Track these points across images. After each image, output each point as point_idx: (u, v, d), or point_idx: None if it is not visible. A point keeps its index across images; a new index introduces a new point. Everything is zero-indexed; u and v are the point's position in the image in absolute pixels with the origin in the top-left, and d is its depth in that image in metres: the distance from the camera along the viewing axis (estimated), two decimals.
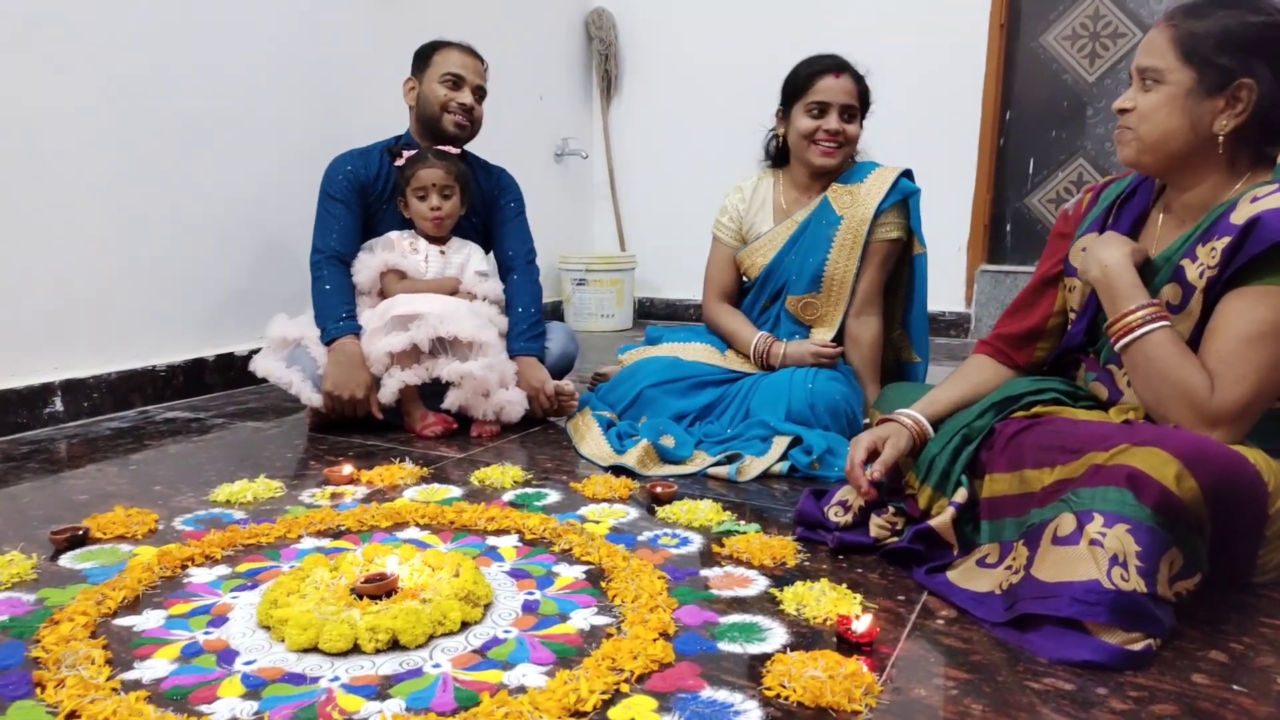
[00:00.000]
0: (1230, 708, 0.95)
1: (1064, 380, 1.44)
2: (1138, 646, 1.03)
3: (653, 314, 4.42)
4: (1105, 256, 1.32)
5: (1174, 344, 1.24)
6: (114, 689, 0.97)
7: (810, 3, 3.86)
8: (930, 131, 3.64)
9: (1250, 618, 1.17)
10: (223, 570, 1.32)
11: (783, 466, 1.80)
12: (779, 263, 2.17)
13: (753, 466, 1.79)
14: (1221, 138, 1.25)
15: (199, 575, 1.30)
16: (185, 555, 1.35)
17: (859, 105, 2.07)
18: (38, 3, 2.08)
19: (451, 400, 2.08)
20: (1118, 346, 1.28)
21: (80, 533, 1.42)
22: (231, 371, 2.63)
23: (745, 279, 2.28)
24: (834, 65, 2.06)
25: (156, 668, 1.03)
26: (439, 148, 2.23)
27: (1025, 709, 0.94)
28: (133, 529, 1.47)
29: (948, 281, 3.77)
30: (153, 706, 0.93)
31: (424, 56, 2.27)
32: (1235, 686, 0.99)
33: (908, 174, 2.11)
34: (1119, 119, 1.34)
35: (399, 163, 2.21)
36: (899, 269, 2.17)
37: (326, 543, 1.44)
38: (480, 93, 2.28)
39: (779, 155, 2.22)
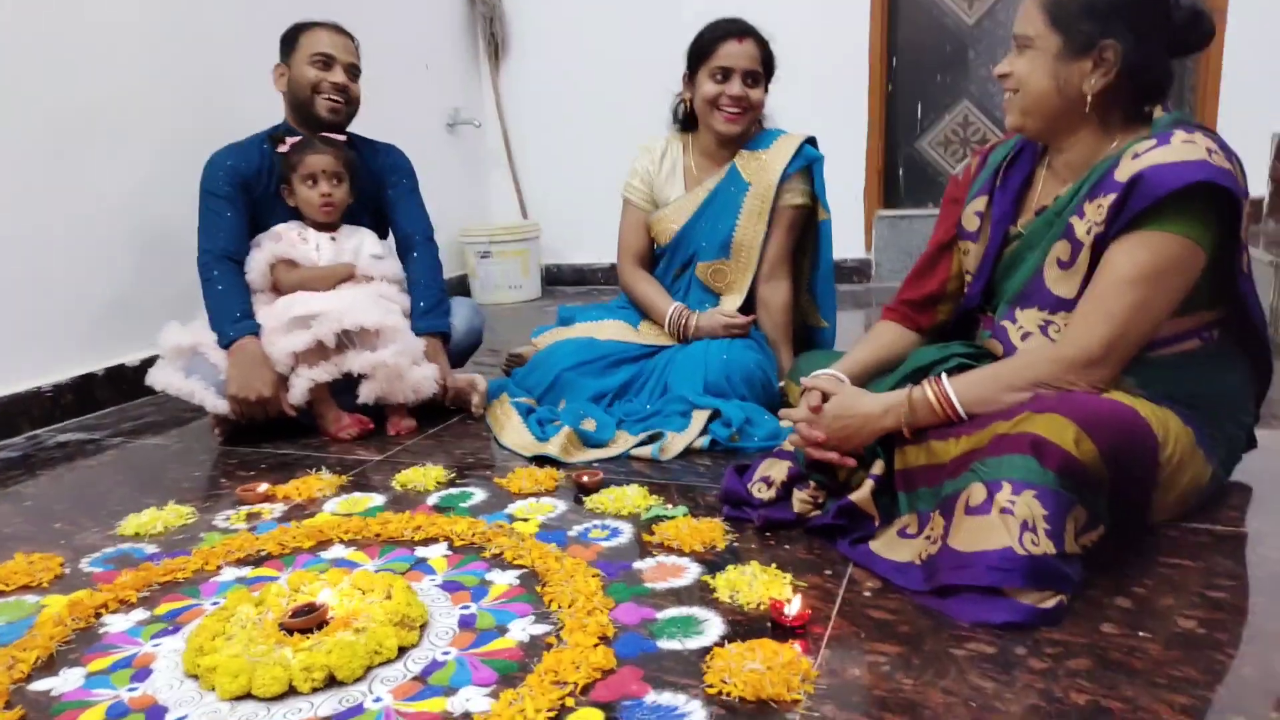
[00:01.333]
0: (1138, 655, 1.02)
1: (966, 343, 1.49)
2: (1050, 604, 1.09)
3: (560, 280, 4.38)
4: (871, 406, 1.36)
5: (973, 377, 1.31)
6: None
7: None
8: (821, 82, 3.66)
9: (1149, 559, 1.25)
10: (140, 615, 1.27)
11: (704, 441, 1.82)
12: (690, 229, 2.18)
13: (674, 444, 1.81)
14: (1090, 97, 1.30)
15: (115, 623, 1.25)
16: (98, 602, 1.29)
17: (763, 70, 2.07)
18: None
19: (367, 393, 2.03)
20: (966, 418, 1.30)
21: None
22: (124, 384, 2.50)
23: (656, 246, 2.28)
24: (737, 30, 2.05)
25: None
26: (324, 135, 2.14)
27: (953, 678, 0.99)
28: (37, 576, 1.40)
29: (847, 229, 3.84)
30: None
31: (290, 39, 2.17)
32: (1141, 633, 1.06)
33: (811, 141, 2.14)
34: (1001, 85, 1.37)
35: (283, 149, 2.11)
36: (805, 235, 2.19)
37: (248, 572, 1.39)
38: (354, 71, 2.19)
39: (687, 120, 2.21)
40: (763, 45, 2.06)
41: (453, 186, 4.09)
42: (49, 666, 1.15)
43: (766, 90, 2.12)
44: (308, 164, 2.07)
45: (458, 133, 4.12)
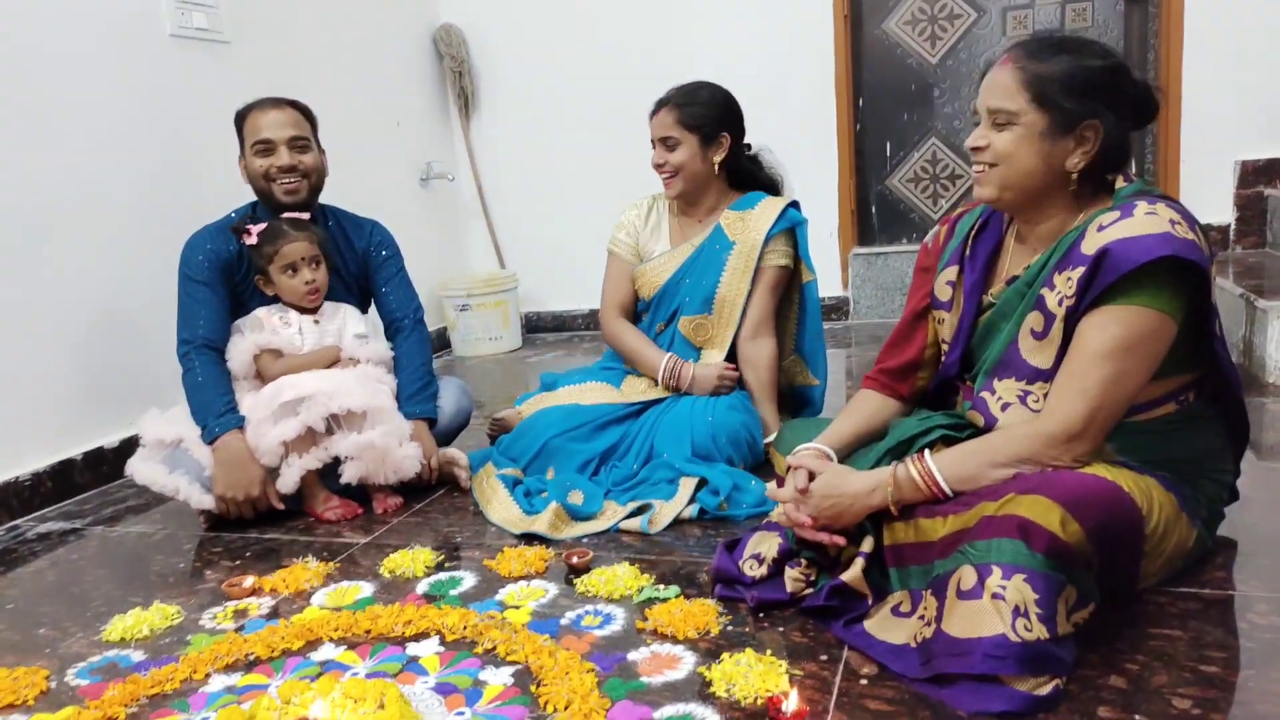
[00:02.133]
0: None
1: (947, 413, 1.50)
2: (1046, 690, 1.09)
3: (540, 327, 4.39)
4: (857, 487, 1.36)
5: (957, 454, 1.32)
6: None
7: (655, 5, 3.86)
8: (790, 122, 3.69)
9: (1140, 630, 1.25)
10: None
11: (692, 510, 1.82)
12: (675, 284, 2.22)
13: (663, 515, 1.81)
14: (1075, 175, 1.32)
15: None
16: None
17: (679, 134, 2.12)
18: None
19: (351, 473, 2.01)
20: (949, 492, 1.31)
21: None
22: (104, 467, 2.47)
23: (640, 300, 2.31)
24: (658, 103, 2.17)
25: None
26: (290, 215, 2.11)
27: None
28: (22, 694, 1.37)
29: (823, 267, 3.80)
30: None
31: (239, 130, 2.15)
32: (1137, 716, 1.07)
33: (795, 205, 2.20)
34: (973, 156, 1.38)
35: (250, 240, 2.09)
36: (789, 296, 2.24)
37: (237, 679, 1.37)
38: (299, 143, 2.12)
39: None
40: (680, 108, 2.12)
41: (429, 240, 4.09)
42: None
43: (711, 141, 2.14)
44: (284, 254, 2.05)
45: (431, 187, 4.13)
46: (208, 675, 1.39)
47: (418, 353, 2.24)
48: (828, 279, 3.88)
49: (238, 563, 1.85)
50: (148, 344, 2.53)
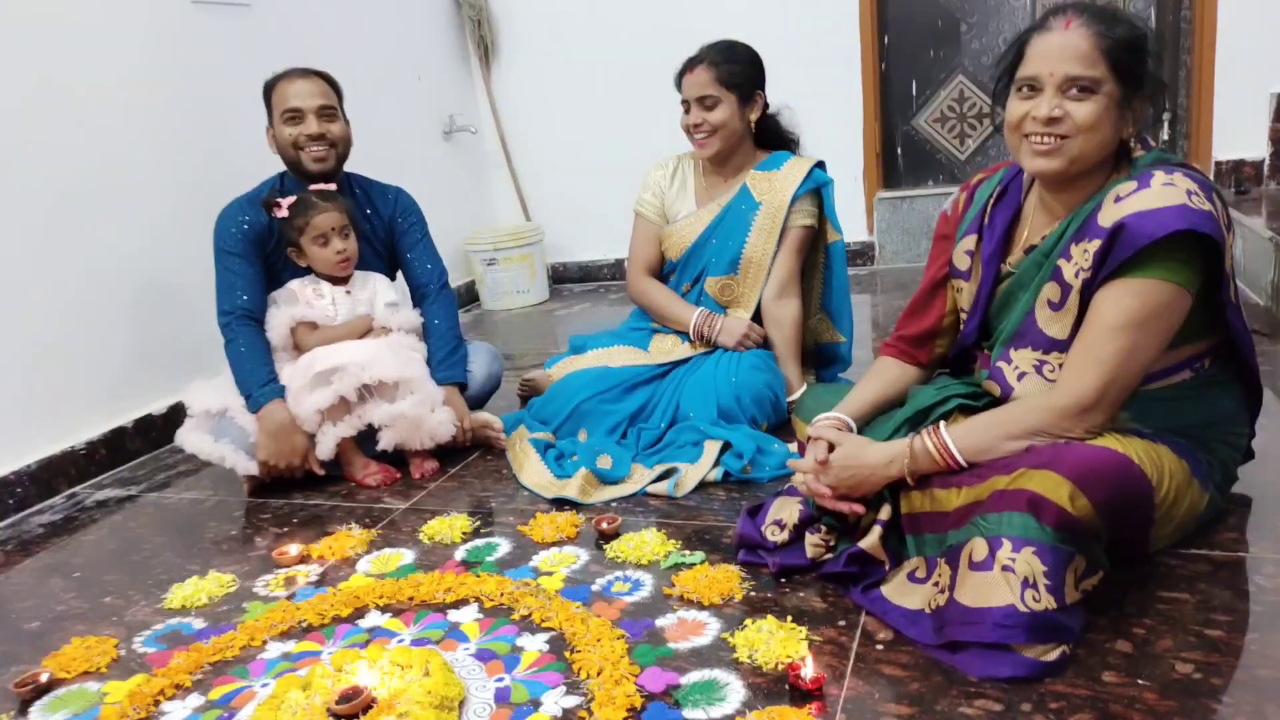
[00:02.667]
0: (1137, 706, 1.08)
1: (965, 382, 1.53)
2: (1053, 656, 1.15)
3: (567, 278, 4.42)
4: (875, 458, 1.39)
5: (972, 426, 1.34)
6: None
7: None
8: (813, 64, 3.66)
9: (1148, 593, 1.30)
10: (196, 701, 1.35)
11: (716, 473, 1.88)
12: (702, 245, 2.25)
13: (688, 479, 1.86)
14: (1133, 143, 1.32)
15: (174, 711, 1.33)
16: (155, 690, 1.37)
17: (718, 92, 2.11)
18: None
19: (387, 440, 2.09)
20: (965, 465, 1.33)
21: (43, 678, 1.43)
22: (153, 433, 2.58)
23: (667, 260, 2.34)
24: (690, 62, 2.16)
25: None
26: (317, 187, 2.16)
27: None
28: (94, 662, 1.48)
29: (848, 212, 3.83)
30: None
31: (267, 100, 2.19)
32: (1140, 680, 1.12)
33: (821, 165, 2.21)
34: (1042, 128, 1.28)
35: (280, 213, 2.14)
36: (814, 255, 2.25)
37: (292, 646, 1.47)
38: (327, 112, 2.16)
39: None
40: (715, 66, 2.11)
41: (454, 194, 4.12)
42: None
43: (748, 100, 2.14)
44: (315, 225, 2.10)
45: (454, 140, 4.14)
46: (264, 642, 1.49)
47: (445, 318, 2.30)
48: (852, 224, 3.86)
49: (285, 529, 1.94)
50: (190, 312, 2.62)
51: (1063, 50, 1.27)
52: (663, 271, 2.39)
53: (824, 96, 3.67)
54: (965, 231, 1.54)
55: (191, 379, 2.28)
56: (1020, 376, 1.43)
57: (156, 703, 1.36)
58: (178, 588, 1.70)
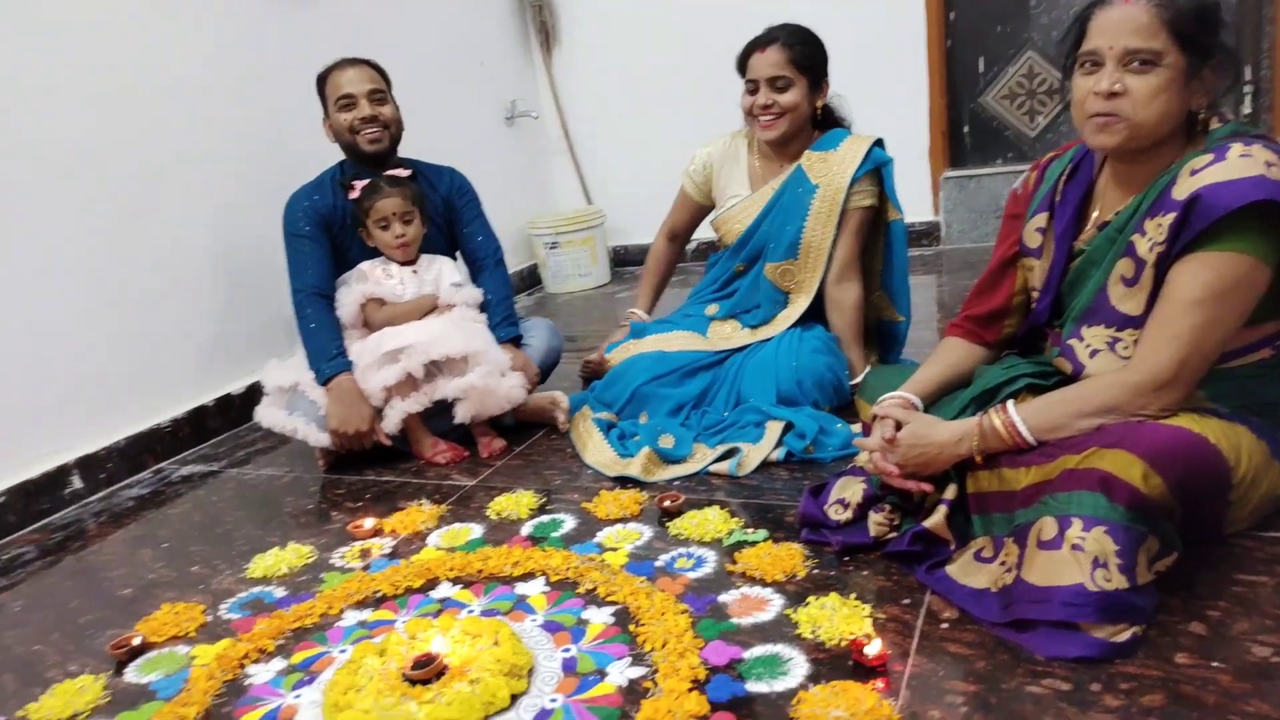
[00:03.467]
0: (1211, 688, 1.06)
1: (1033, 361, 1.51)
2: (1124, 637, 1.14)
3: (628, 261, 4.44)
4: (942, 436, 1.39)
5: (1043, 404, 1.33)
6: None
7: None
8: (878, 42, 3.61)
9: (1223, 575, 1.27)
10: (279, 664, 1.42)
11: (779, 453, 1.88)
12: (756, 229, 2.24)
13: (750, 458, 1.87)
14: (1201, 115, 1.28)
15: (258, 674, 1.40)
16: (240, 653, 1.44)
17: (791, 74, 2.08)
18: None
19: (463, 413, 2.14)
20: (1033, 442, 1.32)
21: (136, 641, 1.51)
22: (232, 412, 2.68)
23: (722, 245, 2.35)
24: (761, 40, 2.11)
25: None
26: (390, 173, 2.23)
27: (1029, 718, 1.05)
28: (184, 626, 1.56)
29: (913, 191, 3.79)
30: None
31: (321, 92, 2.28)
32: (1214, 663, 1.10)
33: (880, 143, 2.16)
34: (1100, 104, 1.26)
35: (353, 195, 2.22)
36: (875, 233, 2.22)
37: (368, 615, 1.53)
38: (377, 95, 2.24)
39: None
40: (789, 48, 2.07)
41: (516, 179, 4.17)
42: None
43: (815, 86, 2.12)
44: (378, 209, 2.17)
45: (517, 125, 4.18)
46: (341, 611, 1.55)
47: (501, 287, 2.39)
48: (918, 204, 3.81)
49: (359, 504, 2.01)
50: (263, 296, 2.72)
51: (1122, 23, 1.24)
52: (714, 257, 2.40)
53: (888, 75, 3.63)
54: (1036, 209, 1.51)
55: (266, 360, 2.37)
56: (1093, 354, 1.40)
57: (242, 665, 1.43)
58: (259, 558, 1.78)
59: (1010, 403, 1.36)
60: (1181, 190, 1.25)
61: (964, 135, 3.81)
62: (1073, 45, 1.33)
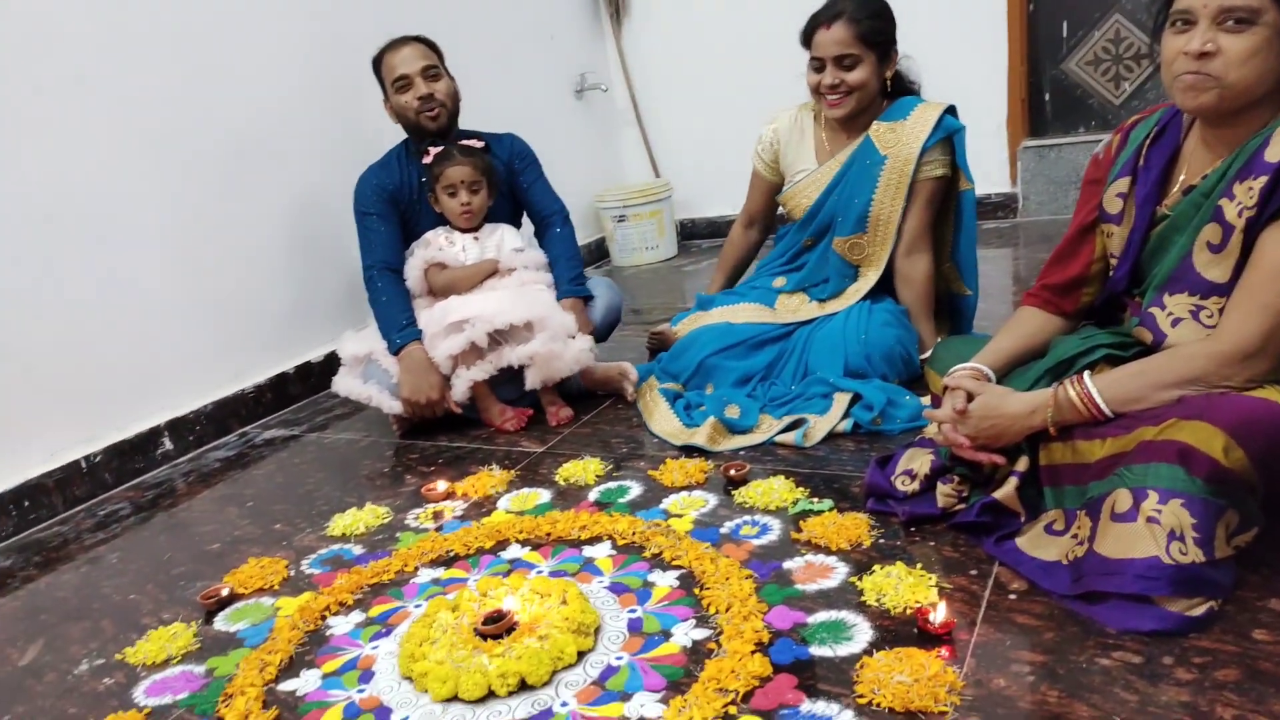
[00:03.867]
0: None
1: (1111, 331, 1.47)
2: (1199, 611, 1.11)
3: (695, 234, 4.43)
4: (1016, 407, 1.36)
5: (1121, 375, 1.29)
6: None
7: None
8: (954, 7, 3.51)
9: None
10: (357, 617, 1.48)
11: (846, 424, 1.88)
12: (824, 203, 2.21)
13: (817, 429, 1.87)
14: None
15: (338, 626, 1.46)
16: (321, 605, 1.51)
17: (859, 51, 2.02)
18: (70, 63, 2.15)
19: (533, 379, 2.18)
20: (1109, 414, 1.29)
21: (225, 592, 1.59)
22: (312, 378, 2.77)
23: (790, 219, 2.33)
24: (826, 17, 2.03)
25: None
26: (464, 143, 2.27)
27: (1098, 690, 1.04)
28: (269, 579, 1.64)
29: (990, 161, 3.69)
30: None
31: (378, 75, 2.33)
32: None
33: (951, 110, 2.10)
34: (1191, 64, 1.21)
35: (427, 160, 2.26)
36: (946, 203, 2.17)
37: (441, 573, 1.58)
38: (431, 72, 2.27)
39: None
40: (856, 23, 1.99)
41: (584, 152, 4.19)
42: (290, 668, 1.36)
43: (883, 61, 2.08)
44: (447, 176, 2.22)
45: (586, 98, 4.20)
46: (416, 569, 1.61)
47: (568, 244, 2.43)
48: (994, 174, 3.71)
49: (431, 468, 2.07)
50: (339, 269, 2.81)
51: None
52: (782, 230, 2.39)
53: (965, 40, 3.53)
54: (1118, 174, 1.46)
55: (342, 330, 2.45)
56: (1175, 323, 1.36)
57: (323, 617, 1.49)
58: (338, 518, 1.85)
59: (1086, 374, 1.33)
60: (1275, 152, 1.20)
61: (1044, 103, 3.69)
62: (1164, 3, 1.28)
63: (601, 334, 2.44)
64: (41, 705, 1.37)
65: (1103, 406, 1.29)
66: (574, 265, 2.40)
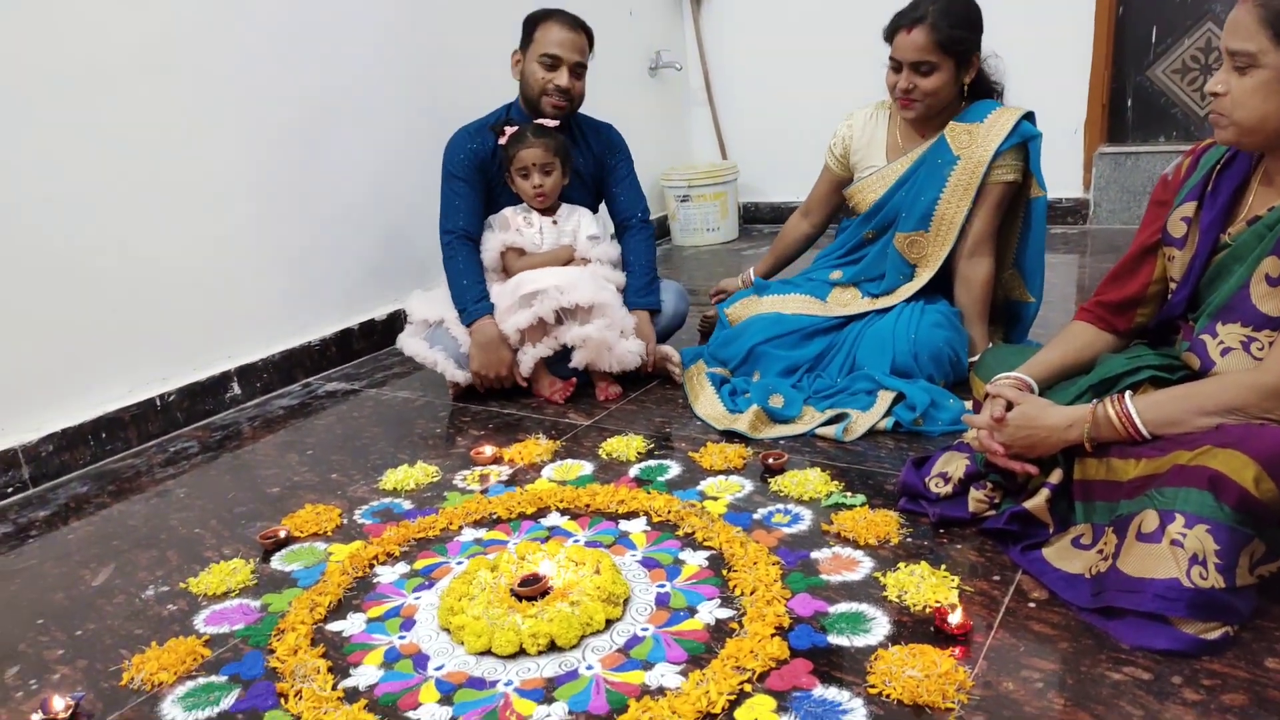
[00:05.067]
0: None
1: (1160, 353, 1.47)
2: (1214, 635, 1.13)
3: (758, 218, 4.44)
4: (1056, 420, 1.37)
5: (1163, 398, 1.31)
6: (339, 698, 1.22)
7: None
8: (1040, 4, 3.44)
9: None
10: (403, 568, 1.57)
11: (887, 422, 1.90)
12: (889, 199, 2.22)
13: (858, 425, 1.90)
14: None
15: (385, 574, 1.55)
16: (370, 555, 1.60)
17: (936, 58, 2.01)
18: (162, 25, 2.26)
19: (579, 359, 2.24)
20: (1147, 435, 1.31)
21: (282, 534, 1.69)
22: (375, 336, 2.88)
23: (855, 212, 2.34)
24: (907, 20, 2.02)
25: (367, 674, 1.28)
26: (539, 122, 2.31)
27: (1104, 702, 1.07)
28: (323, 525, 1.74)
29: (1063, 165, 3.63)
30: (372, 716, 1.18)
31: (528, 31, 2.31)
32: None
33: (1030, 116, 2.09)
34: (1212, 102, 1.29)
35: (502, 140, 2.32)
36: (1014, 209, 2.17)
37: (483, 534, 1.66)
38: (579, 69, 2.30)
39: None
40: (935, 29, 1.98)
41: (654, 130, 4.22)
42: (338, 610, 1.46)
43: (966, 62, 2.06)
44: (520, 158, 2.26)
45: (660, 76, 4.22)
46: (460, 528, 1.69)
47: (644, 250, 2.43)
48: (1067, 179, 3.65)
49: (482, 433, 2.15)
50: (412, 229, 2.90)
51: (1231, 25, 1.24)
52: (845, 223, 2.40)
53: (1049, 40, 3.46)
54: (1185, 197, 1.46)
55: (409, 290, 2.54)
56: (1224, 352, 1.36)
57: (371, 565, 1.58)
58: (390, 473, 1.94)
59: (1128, 394, 1.34)
60: None
61: (1126, 109, 3.60)
62: None
63: (663, 336, 2.46)
64: (110, 625, 1.48)
65: (1140, 427, 1.30)
66: (646, 272, 2.39)
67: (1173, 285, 1.49)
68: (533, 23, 2.31)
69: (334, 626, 1.41)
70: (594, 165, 2.47)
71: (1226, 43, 1.25)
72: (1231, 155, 1.42)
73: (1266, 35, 1.20)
